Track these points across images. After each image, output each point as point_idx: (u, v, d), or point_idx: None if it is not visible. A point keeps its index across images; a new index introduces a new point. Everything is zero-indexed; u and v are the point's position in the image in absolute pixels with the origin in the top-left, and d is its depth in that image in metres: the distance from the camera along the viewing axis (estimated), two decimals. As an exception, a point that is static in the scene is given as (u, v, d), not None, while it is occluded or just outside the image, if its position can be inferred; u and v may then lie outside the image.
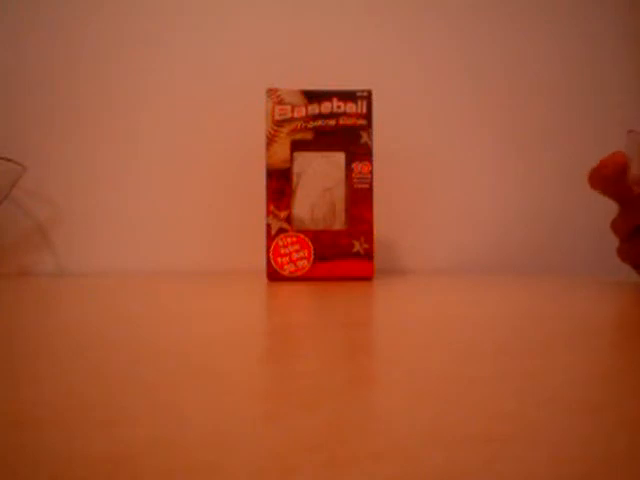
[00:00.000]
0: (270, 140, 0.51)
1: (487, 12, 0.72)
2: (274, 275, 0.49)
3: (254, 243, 0.62)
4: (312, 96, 0.51)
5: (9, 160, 0.58)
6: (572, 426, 0.10)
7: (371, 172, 0.51)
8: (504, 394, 0.12)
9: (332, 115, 0.51)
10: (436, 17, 0.72)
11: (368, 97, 0.51)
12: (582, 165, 0.72)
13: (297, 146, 0.51)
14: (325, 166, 0.48)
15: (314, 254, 0.49)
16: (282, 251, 0.49)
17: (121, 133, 0.70)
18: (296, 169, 0.50)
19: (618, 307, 0.30)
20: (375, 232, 0.68)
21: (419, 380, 0.14)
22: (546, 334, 0.20)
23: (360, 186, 0.50)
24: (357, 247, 0.49)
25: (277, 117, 0.51)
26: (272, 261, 0.49)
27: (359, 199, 0.50)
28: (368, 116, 0.51)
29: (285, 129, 0.51)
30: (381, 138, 0.58)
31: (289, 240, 0.49)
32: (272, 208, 0.50)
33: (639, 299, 0.33)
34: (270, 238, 0.50)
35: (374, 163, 0.51)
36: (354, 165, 0.50)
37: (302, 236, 0.49)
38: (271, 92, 0.51)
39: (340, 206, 0.49)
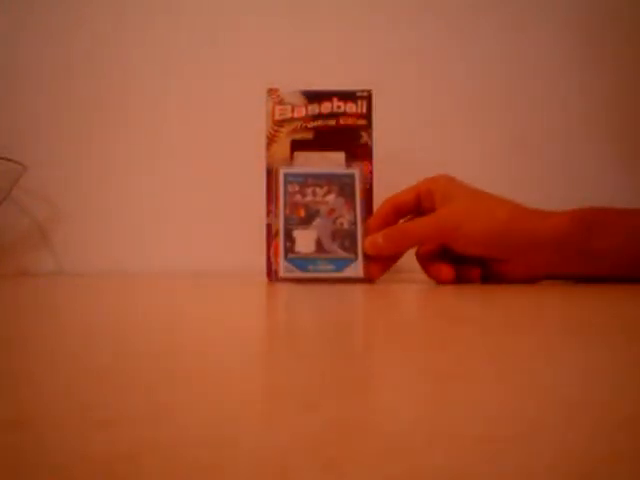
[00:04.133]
0: (270, 140, 0.51)
1: (487, 12, 0.72)
2: (274, 275, 0.49)
3: (254, 243, 0.62)
4: (312, 96, 0.51)
5: (9, 160, 0.58)
6: (572, 426, 0.10)
7: (371, 172, 0.51)
8: (504, 394, 0.12)
9: (332, 115, 0.51)
10: (436, 17, 0.72)
11: (368, 97, 0.51)
12: (585, 165, 0.72)
13: (297, 146, 0.51)
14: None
15: (314, 254, 0.49)
16: (282, 251, 0.49)
17: (121, 133, 0.70)
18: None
19: (616, 307, 0.30)
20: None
21: (419, 380, 0.14)
22: (546, 333, 0.20)
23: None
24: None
25: (277, 117, 0.51)
26: (272, 261, 0.49)
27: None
28: (368, 116, 0.51)
29: (285, 129, 0.51)
30: (381, 138, 0.58)
31: (289, 240, 0.49)
32: (272, 208, 0.50)
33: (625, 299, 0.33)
34: (270, 238, 0.49)
35: (374, 163, 0.51)
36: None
37: (302, 236, 0.49)
38: (271, 92, 0.51)
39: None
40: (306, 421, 0.10)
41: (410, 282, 0.49)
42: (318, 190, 0.49)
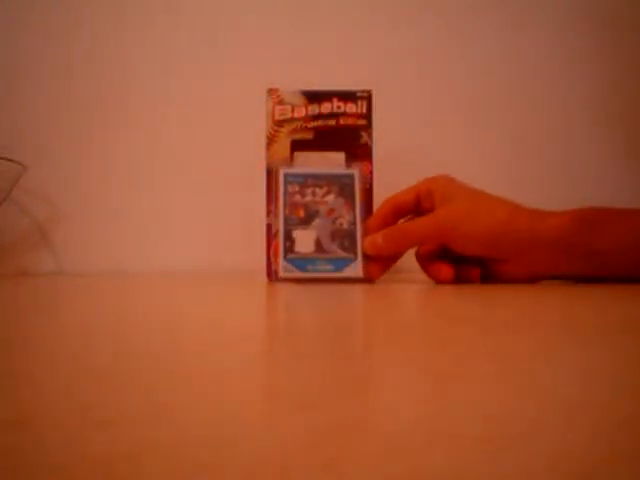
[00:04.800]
0: (270, 140, 0.51)
1: (487, 12, 0.72)
2: (274, 275, 0.49)
3: (254, 243, 0.62)
4: (312, 96, 0.51)
5: (9, 160, 0.58)
6: (572, 426, 0.10)
7: (371, 172, 0.51)
8: (504, 394, 0.12)
9: (332, 115, 0.51)
10: (436, 17, 0.72)
11: (368, 97, 0.51)
12: (586, 165, 0.72)
13: (297, 146, 0.51)
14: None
15: (314, 254, 0.49)
16: (282, 251, 0.49)
17: (121, 133, 0.70)
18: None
19: (617, 307, 0.30)
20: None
21: (419, 380, 0.14)
22: (546, 333, 0.20)
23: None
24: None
25: (277, 117, 0.51)
26: (272, 261, 0.49)
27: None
28: (368, 116, 0.51)
29: (285, 129, 0.51)
30: (381, 138, 0.58)
31: (289, 240, 0.49)
32: (272, 208, 0.50)
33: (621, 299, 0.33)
34: (270, 238, 0.49)
35: (374, 163, 0.51)
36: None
37: (302, 236, 0.49)
38: (271, 92, 0.51)
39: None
40: (306, 421, 0.10)
41: (410, 282, 0.49)
42: (318, 190, 0.49)
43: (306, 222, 0.48)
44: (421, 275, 0.49)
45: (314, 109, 0.51)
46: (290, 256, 0.47)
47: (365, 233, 0.48)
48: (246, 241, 0.66)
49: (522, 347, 0.18)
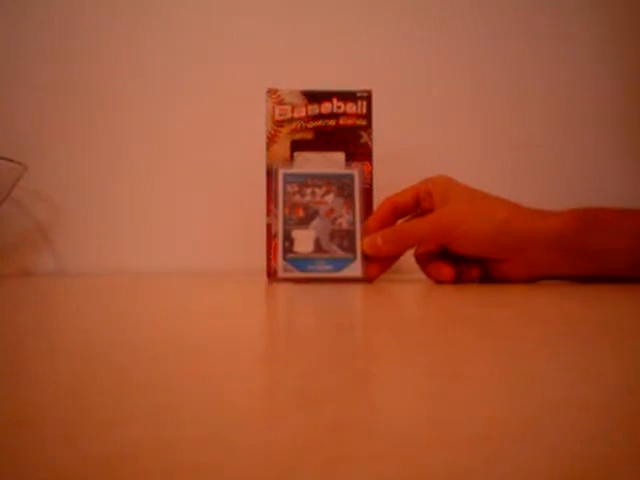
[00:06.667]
0: (270, 140, 0.51)
1: (487, 11, 0.72)
2: (274, 275, 0.49)
3: (254, 243, 0.62)
4: (312, 96, 0.51)
5: (9, 160, 0.58)
6: (572, 426, 0.10)
7: (371, 172, 0.51)
8: (504, 394, 0.12)
9: (332, 115, 0.51)
10: (436, 17, 0.72)
11: (368, 97, 0.51)
12: (586, 165, 0.72)
13: (297, 146, 0.51)
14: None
15: (314, 254, 0.49)
16: (282, 251, 0.49)
17: (121, 133, 0.70)
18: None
19: (616, 307, 0.30)
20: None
21: (419, 380, 0.14)
22: (545, 334, 0.20)
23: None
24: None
25: (277, 117, 0.51)
26: (272, 261, 0.49)
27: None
28: (368, 116, 0.51)
29: (285, 129, 0.51)
30: (381, 138, 0.58)
31: (289, 240, 0.49)
32: (272, 208, 0.50)
33: (624, 300, 0.33)
34: (270, 238, 0.49)
35: (374, 163, 0.51)
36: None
37: (302, 236, 0.49)
38: (271, 92, 0.51)
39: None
40: (306, 421, 0.10)
41: (410, 282, 0.49)
42: (317, 190, 0.49)
43: (305, 222, 0.48)
44: (421, 275, 0.49)
45: (314, 109, 0.51)
46: (289, 256, 0.47)
47: (364, 233, 0.48)
48: (246, 241, 0.66)
49: (522, 347, 0.18)
